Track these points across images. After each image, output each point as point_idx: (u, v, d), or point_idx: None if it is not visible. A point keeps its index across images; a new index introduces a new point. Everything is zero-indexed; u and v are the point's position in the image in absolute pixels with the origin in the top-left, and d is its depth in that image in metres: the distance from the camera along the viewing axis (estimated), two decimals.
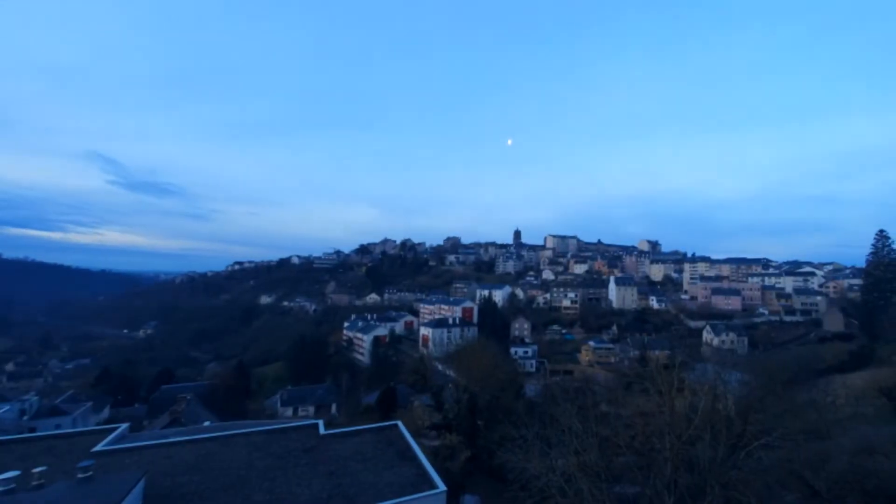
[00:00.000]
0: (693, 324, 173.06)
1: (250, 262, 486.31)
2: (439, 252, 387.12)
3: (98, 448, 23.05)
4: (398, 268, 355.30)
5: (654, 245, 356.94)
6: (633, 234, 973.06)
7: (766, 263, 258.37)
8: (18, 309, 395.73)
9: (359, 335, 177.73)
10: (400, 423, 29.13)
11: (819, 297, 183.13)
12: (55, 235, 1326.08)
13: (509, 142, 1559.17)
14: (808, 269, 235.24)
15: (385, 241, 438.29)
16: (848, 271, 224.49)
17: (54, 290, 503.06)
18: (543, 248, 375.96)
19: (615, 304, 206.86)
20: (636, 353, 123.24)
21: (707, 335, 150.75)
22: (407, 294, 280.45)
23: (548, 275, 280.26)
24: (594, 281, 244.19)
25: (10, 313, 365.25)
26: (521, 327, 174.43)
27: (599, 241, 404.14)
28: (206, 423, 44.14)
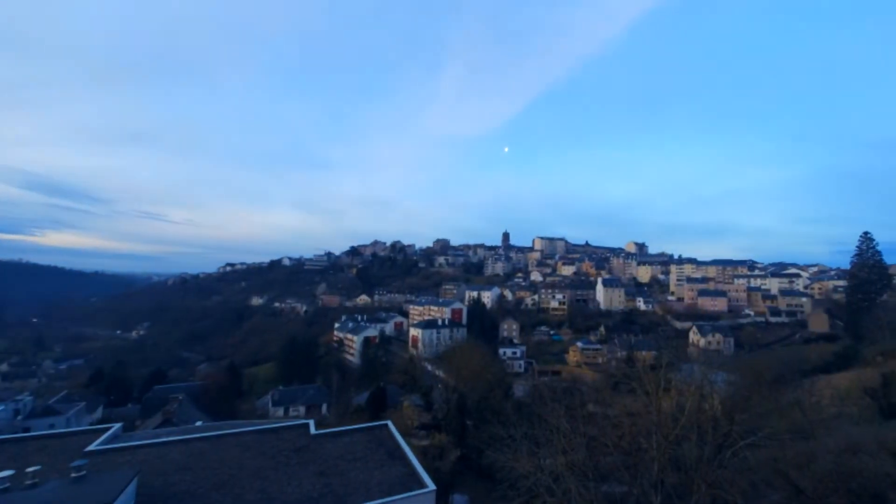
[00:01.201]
0: (680, 325, 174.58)
1: (242, 263, 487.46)
2: (429, 254, 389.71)
3: (91, 448, 23.16)
4: (388, 269, 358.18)
5: (641, 247, 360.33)
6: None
7: (751, 265, 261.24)
8: (12, 310, 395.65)
9: (349, 336, 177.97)
10: (390, 423, 29.30)
11: (804, 299, 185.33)
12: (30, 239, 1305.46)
13: (506, 149, 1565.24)
14: (793, 270, 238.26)
15: (375, 243, 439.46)
16: (833, 273, 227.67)
17: (48, 292, 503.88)
18: (532, 249, 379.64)
19: (602, 306, 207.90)
20: (623, 354, 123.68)
21: (693, 336, 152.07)
22: (397, 295, 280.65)
23: (536, 276, 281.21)
24: (582, 282, 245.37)
25: (3, 314, 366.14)
26: (509, 328, 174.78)
27: (587, 243, 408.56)
28: (198, 423, 44.33)
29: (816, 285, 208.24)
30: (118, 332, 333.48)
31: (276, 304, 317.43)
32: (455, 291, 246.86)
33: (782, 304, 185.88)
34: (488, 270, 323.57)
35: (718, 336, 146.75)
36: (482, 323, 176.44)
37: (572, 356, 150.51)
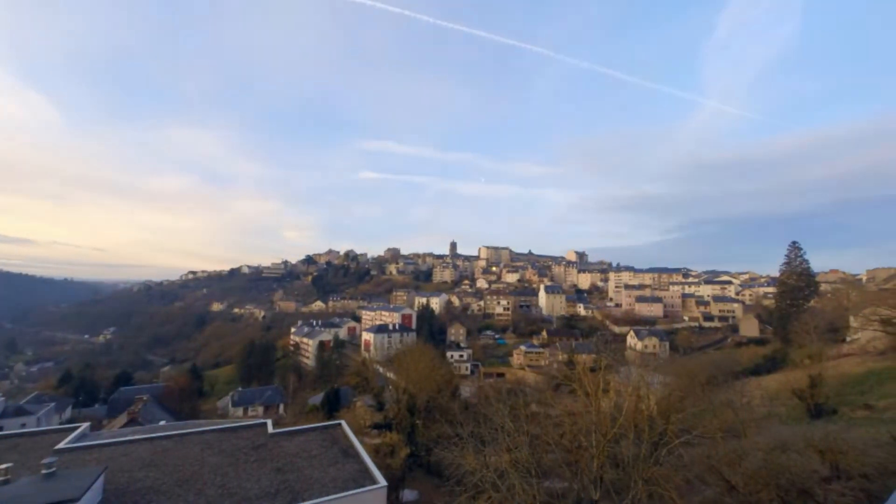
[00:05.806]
0: (618, 329, 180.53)
1: (203, 271, 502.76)
2: (380, 262, 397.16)
3: (61, 446, 24.10)
4: (342, 277, 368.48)
5: (582, 255, 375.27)
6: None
7: (686, 273, 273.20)
8: None
9: (305, 340, 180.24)
10: (343, 423, 30.36)
11: (736, 305, 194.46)
12: None
13: (482, 180, 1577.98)
14: (725, 277, 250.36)
15: (329, 252, 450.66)
16: (763, 280, 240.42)
17: (19, 298, 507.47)
18: (478, 258, 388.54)
19: (545, 311, 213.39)
20: (564, 357, 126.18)
21: (631, 340, 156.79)
22: (350, 301, 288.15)
23: (482, 283, 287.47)
24: (525, 289, 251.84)
25: None
26: (456, 332, 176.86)
27: (530, 252, 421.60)
28: (162, 423, 45.89)
29: (747, 292, 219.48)
30: (86, 336, 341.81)
31: (236, 310, 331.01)
32: (405, 298, 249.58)
33: (715, 309, 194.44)
34: (437, 278, 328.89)
35: (654, 340, 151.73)
36: (431, 327, 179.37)
37: (516, 359, 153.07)
